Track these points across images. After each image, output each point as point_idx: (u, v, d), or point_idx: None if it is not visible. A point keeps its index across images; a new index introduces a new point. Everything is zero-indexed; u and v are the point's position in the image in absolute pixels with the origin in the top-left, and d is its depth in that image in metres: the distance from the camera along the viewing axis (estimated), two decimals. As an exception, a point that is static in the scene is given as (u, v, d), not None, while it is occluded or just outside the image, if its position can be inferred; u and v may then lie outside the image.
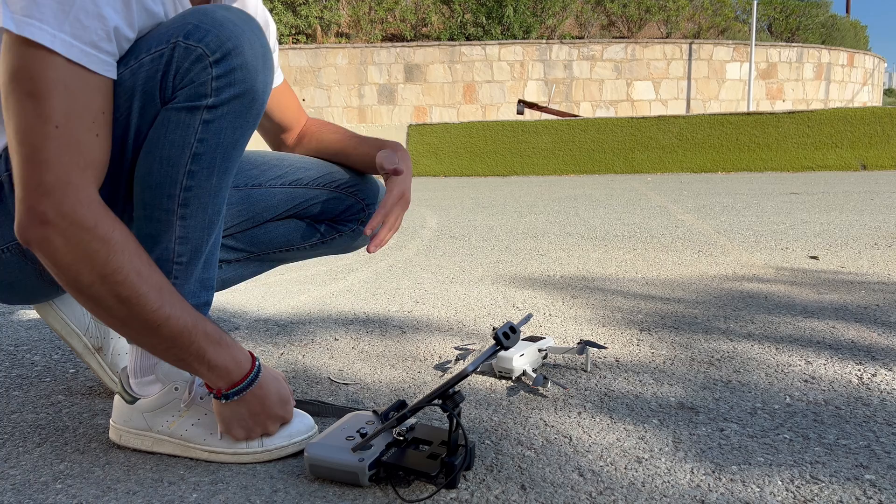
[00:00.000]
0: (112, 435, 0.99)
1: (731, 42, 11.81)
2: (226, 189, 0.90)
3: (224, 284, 1.22)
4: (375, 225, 1.01)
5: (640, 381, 1.22)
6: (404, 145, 7.25)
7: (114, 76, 0.80)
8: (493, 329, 1.38)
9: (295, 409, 0.98)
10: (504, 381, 1.23)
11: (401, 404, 0.90)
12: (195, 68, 0.80)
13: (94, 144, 0.78)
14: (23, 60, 0.73)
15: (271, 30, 1.13)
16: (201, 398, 0.95)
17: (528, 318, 0.91)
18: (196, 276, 0.92)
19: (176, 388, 0.95)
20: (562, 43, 11.30)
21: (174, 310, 0.82)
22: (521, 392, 1.17)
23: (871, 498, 0.80)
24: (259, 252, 1.21)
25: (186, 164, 0.84)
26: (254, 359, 0.91)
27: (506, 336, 0.82)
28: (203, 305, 0.94)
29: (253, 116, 0.87)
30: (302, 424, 0.96)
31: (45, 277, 0.95)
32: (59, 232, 0.75)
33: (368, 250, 1.00)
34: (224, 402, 0.90)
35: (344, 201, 1.20)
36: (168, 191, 0.85)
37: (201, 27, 0.80)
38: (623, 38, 12.54)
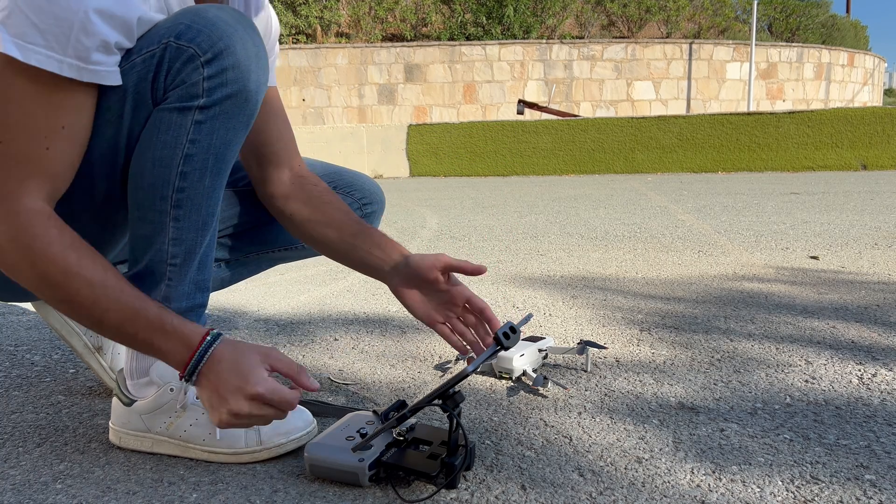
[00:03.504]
0: (112, 437, 0.99)
1: (731, 42, 11.82)
2: (220, 190, 0.89)
3: (223, 283, 1.22)
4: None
5: (640, 381, 1.21)
6: (404, 145, 7.18)
7: (119, 82, 0.80)
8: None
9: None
10: (504, 381, 1.23)
11: (401, 404, 0.90)
12: (186, 69, 0.80)
13: (42, 156, 0.79)
14: None
15: (273, 31, 1.11)
16: (197, 397, 0.95)
17: (528, 318, 0.91)
18: (190, 278, 0.91)
19: (171, 390, 0.94)
20: (562, 43, 11.30)
21: (110, 303, 0.80)
22: (521, 392, 1.17)
23: (871, 498, 0.80)
24: (258, 251, 1.21)
25: (178, 166, 0.84)
26: (206, 335, 0.82)
27: (506, 336, 0.82)
28: (198, 307, 0.94)
29: (246, 117, 0.86)
30: (300, 420, 0.96)
31: None
32: None
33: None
34: (190, 384, 0.86)
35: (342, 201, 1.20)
36: (161, 192, 0.85)
37: (193, 27, 0.80)
38: (623, 38, 12.54)
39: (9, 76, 0.75)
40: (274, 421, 0.95)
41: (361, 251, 1.04)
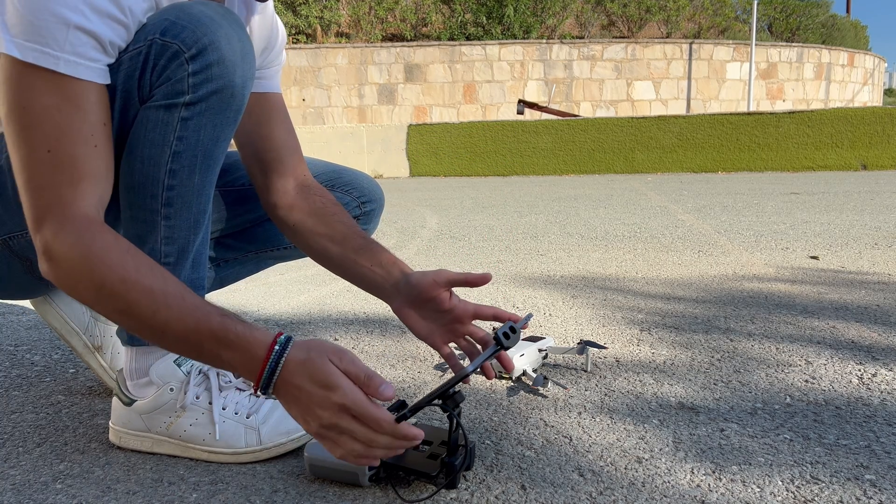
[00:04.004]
0: (112, 437, 0.99)
1: (731, 42, 11.82)
2: (210, 187, 0.89)
3: (223, 282, 1.22)
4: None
5: (640, 381, 1.21)
6: (404, 145, 7.14)
7: (108, 82, 0.80)
8: (494, 329, 1.38)
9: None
10: (504, 381, 1.23)
11: (401, 404, 0.89)
12: (171, 65, 0.80)
13: (91, 155, 0.77)
14: (17, 90, 0.74)
15: (280, 39, 1.10)
16: (197, 398, 0.95)
17: (528, 318, 0.91)
18: (185, 277, 0.91)
19: (171, 389, 0.94)
20: (562, 43, 11.30)
21: (172, 312, 0.74)
22: (521, 392, 1.17)
23: (871, 498, 0.80)
24: (257, 250, 1.21)
25: (167, 163, 0.83)
26: (273, 345, 0.75)
27: (506, 336, 0.82)
28: None
29: (233, 112, 0.85)
30: None
31: (35, 273, 0.95)
32: (54, 265, 0.76)
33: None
34: (268, 398, 0.82)
35: (340, 199, 1.20)
36: (151, 191, 0.85)
37: (178, 23, 0.79)
38: (623, 37, 12.54)
39: (34, 84, 0.74)
40: (274, 421, 0.95)
41: (363, 268, 1.01)
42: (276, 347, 0.75)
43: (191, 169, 0.85)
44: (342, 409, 0.73)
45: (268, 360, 0.74)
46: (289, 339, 0.76)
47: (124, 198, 0.87)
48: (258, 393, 0.76)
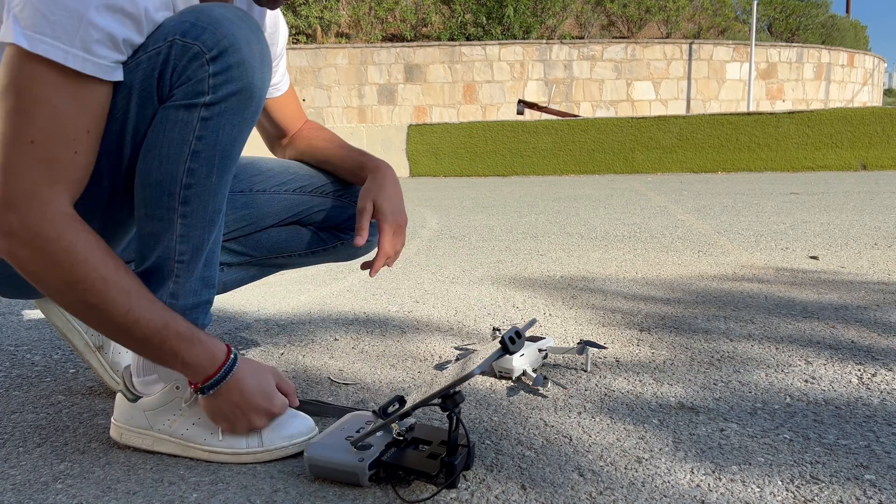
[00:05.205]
0: (113, 433, 0.99)
1: (731, 42, 11.82)
2: (226, 187, 0.90)
3: (225, 287, 1.22)
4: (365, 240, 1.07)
5: (640, 381, 1.22)
6: (404, 145, 7.18)
7: (120, 78, 0.81)
8: (494, 329, 1.38)
9: (296, 410, 0.98)
10: (504, 381, 1.23)
11: (398, 400, 0.90)
12: (192, 66, 0.81)
13: (71, 161, 0.79)
14: (17, 75, 0.74)
15: (282, 35, 1.12)
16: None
17: (531, 323, 0.91)
18: (197, 274, 0.92)
19: (177, 387, 0.95)
20: (562, 43, 11.30)
21: (143, 312, 0.83)
22: (521, 392, 1.17)
23: (871, 498, 0.80)
24: (261, 256, 1.21)
25: (186, 162, 0.84)
26: (229, 352, 0.91)
27: (511, 341, 0.82)
28: (204, 303, 0.94)
29: (251, 113, 0.87)
30: (302, 426, 0.96)
31: None
32: (21, 243, 0.77)
33: (370, 275, 1.09)
34: (203, 395, 0.91)
35: (347, 210, 1.21)
36: (168, 189, 0.85)
37: (198, 25, 0.80)
38: (623, 38, 12.54)
39: (35, 73, 0.74)
40: (276, 425, 0.96)
41: (344, 166, 1.18)
42: (232, 356, 0.91)
43: (209, 168, 0.86)
44: (273, 416, 0.94)
45: (223, 366, 0.89)
46: (237, 353, 0.92)
47: (140, 196, 0.87)
48: (196, 390, 0.90)
